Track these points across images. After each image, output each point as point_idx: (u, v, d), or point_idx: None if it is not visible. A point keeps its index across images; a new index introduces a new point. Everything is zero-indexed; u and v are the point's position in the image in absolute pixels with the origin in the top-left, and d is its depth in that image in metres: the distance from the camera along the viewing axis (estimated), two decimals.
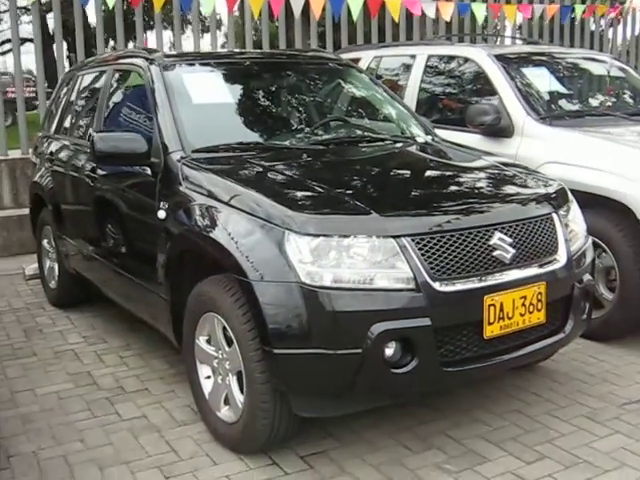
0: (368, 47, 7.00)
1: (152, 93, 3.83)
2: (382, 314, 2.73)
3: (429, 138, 4.25)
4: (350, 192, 3.05)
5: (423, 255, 2.80)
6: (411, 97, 5.78)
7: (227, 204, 3.06)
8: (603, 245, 4.28)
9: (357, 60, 6.58)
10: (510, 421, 3.42)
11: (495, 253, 2.96)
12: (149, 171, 3.63)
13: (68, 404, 3.70)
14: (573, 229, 3.45)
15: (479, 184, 3.47)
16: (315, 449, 3.19)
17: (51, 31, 16.33)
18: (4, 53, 18.88)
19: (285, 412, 2.94)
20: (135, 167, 3.73)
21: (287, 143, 3.73)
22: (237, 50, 6.51)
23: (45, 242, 5.42)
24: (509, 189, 3.40)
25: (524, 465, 3.04)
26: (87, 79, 4.95)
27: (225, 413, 3.17)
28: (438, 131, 5.32)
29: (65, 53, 20.96)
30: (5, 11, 17.24)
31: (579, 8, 9.96)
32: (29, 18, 18.10)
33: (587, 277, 3.39)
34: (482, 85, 5.27)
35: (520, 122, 4.86)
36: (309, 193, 3.06)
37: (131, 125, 4.06)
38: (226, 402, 3.18)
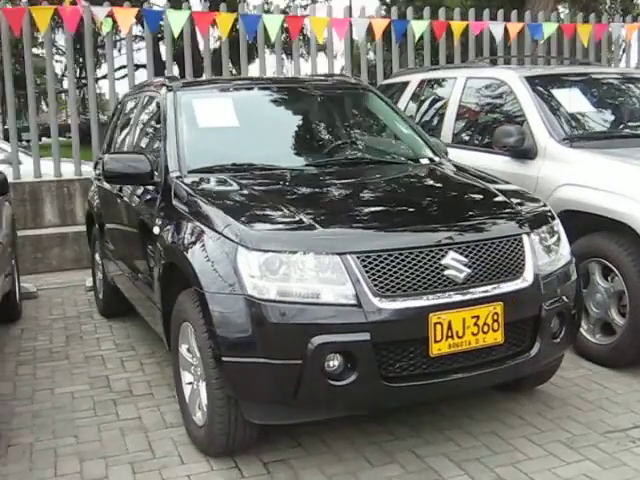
0: (417, 70, 7.08)
1: (164, 117, 4.14)
2: (322, 327, 2.85)
3: (436, 160, 4.30)
4: (310, 212, 3.17)
5: (367, 272, 2.90)
6: (449, 119, 5.82)
7: (197, 220, 3.29)
8: (615, 269, 4.17)
9: (406, 83, 6.71)
10: (482, 442, 3.41)
11: (446, 272, 3.00)
12: (154, 190, 3.92)
13: (78, 403, 4.03)
14: (553, 250, 3.42)
15: (448, 205, 3.50)
16: (280, 456, 3.33)
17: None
18: (121, 78, 20.41)
19: (240, 418, 3.10)
20: (145, 186, 4.04)
21: (280, 164, 3.91)
22: (256, 76, 6.75)
23: (97, 256, 5.86)
24: (479, 211, 3.41)
25: None
26: (130, 104, 5.35)
27: (198, 417, 3.37)
28: (469, 153, 5.38)
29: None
30: (122, 39, 18.75)
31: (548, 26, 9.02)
32: (136, 46, 19.25)
33: (563, 299, 3.34)
34: (513, 107, 5.25)
35: (543, 144, 4.80)
36: (269, 211, 3.22)
37: (149, 147, 4.38)
38: (200, 407, 3.38)
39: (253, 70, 16.65)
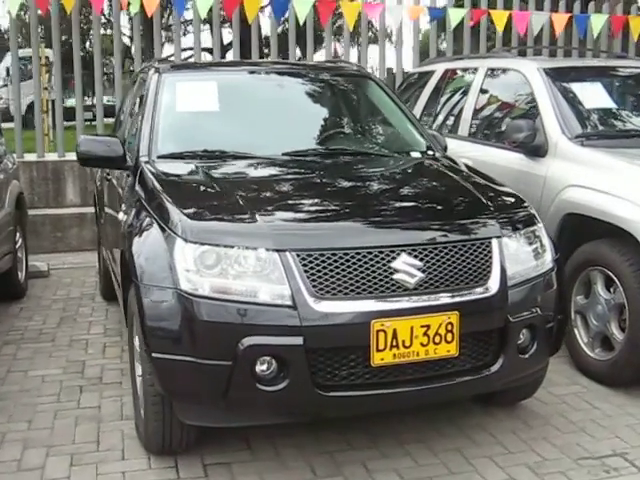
0: (443, 59, 6.78)
1: (145, 99, 4.02)
2: (254, 328, 2.68)
3: (430, 154, 4.04)
4: (260, 205, 2.99)
5: (307, 272, 2.70)
6: (467, 112, 5.51)
7: (148, 208, 3.15)
8: (616, 280, 3.84)
9: (432, 72, 6.42)
10: (441, 460, 3.17)
11: (396, 276, 2.77)
12: (126, 174, 3.81)
13: (45, 388, 3.96)
14: (531, 257, 3.14)
15: (413, 204, 3.26)
16: (224, 459, 3.17)
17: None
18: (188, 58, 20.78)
19: (175, 418, 2.95)
20: (122, 170, 3.93)
21: (254, 153, 3.72)
22: (255, 60, 6.56)
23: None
24: (447, 212, 3.15)
25: None
26: (134, 86, 5.26)
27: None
28: (484, 149, 5.08)
29: None
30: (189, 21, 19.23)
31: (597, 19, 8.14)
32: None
33: (537, 310, 3.05)
34: (529, 100, 4.92)
35: (554, 141, 4.47)
36: (218, 203, 3.06)
37: (135, 130, 4.26)
38: None
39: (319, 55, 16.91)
